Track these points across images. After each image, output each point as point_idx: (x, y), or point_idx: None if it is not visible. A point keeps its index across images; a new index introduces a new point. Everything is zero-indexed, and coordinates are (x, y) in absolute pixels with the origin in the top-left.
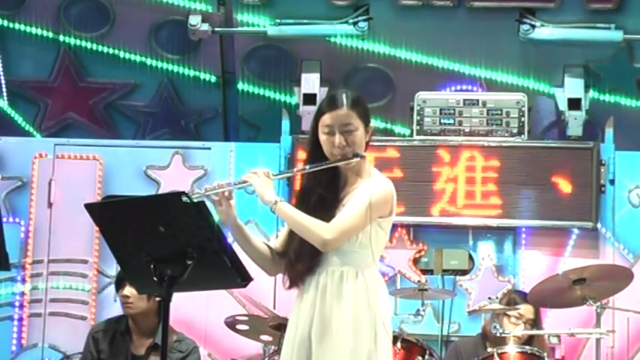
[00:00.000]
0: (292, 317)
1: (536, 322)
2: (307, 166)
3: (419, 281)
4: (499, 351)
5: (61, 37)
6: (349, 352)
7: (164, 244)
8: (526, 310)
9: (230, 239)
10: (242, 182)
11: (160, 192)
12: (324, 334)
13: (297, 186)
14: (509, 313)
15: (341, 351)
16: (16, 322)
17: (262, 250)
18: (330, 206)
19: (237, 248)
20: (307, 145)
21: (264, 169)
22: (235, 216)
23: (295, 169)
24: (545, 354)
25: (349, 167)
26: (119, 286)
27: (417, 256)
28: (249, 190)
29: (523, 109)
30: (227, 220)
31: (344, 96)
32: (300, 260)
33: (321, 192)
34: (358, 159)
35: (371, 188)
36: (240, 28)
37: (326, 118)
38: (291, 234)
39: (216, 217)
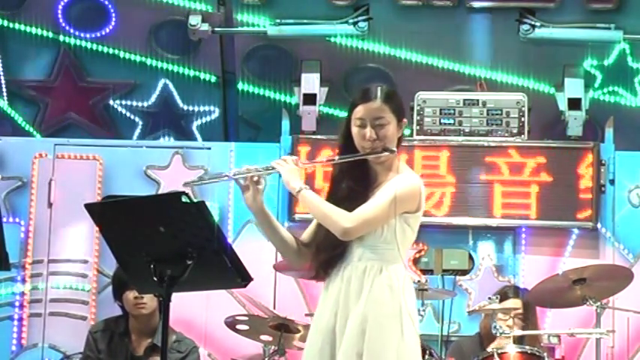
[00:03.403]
0: (318, 309)
1: (527, 316)
2: (337, 157)
3: (419, 281)
4: (499, 351)
5: (61, 37)
6: (374, 345)
7: (164, 244)
8: (513, 303)
9: (230, 239)
10: (270, 168)
11: (159, 192)
12: (347, 328)
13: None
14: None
15: (365, 345)
16: (16, 322)
17: (288, 240)
18: (359, 199)
19: (237, 248)
20: (340, 137)
21: (293, 156)
22: (262, 202)
23: (325, 159)
24: (545, 354)
25: (379, 162)
26: (124, 289)
27: (417, 256)
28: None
29: (523, 109)
30: (253, 206)
31: (378, 89)
32: (322, 251)
33: (351, 184)
34: (388, 153)
35: (397, 183)
36: (240, 28)
37: (358, 111)
38: (320, 225)
39: (215, 216)
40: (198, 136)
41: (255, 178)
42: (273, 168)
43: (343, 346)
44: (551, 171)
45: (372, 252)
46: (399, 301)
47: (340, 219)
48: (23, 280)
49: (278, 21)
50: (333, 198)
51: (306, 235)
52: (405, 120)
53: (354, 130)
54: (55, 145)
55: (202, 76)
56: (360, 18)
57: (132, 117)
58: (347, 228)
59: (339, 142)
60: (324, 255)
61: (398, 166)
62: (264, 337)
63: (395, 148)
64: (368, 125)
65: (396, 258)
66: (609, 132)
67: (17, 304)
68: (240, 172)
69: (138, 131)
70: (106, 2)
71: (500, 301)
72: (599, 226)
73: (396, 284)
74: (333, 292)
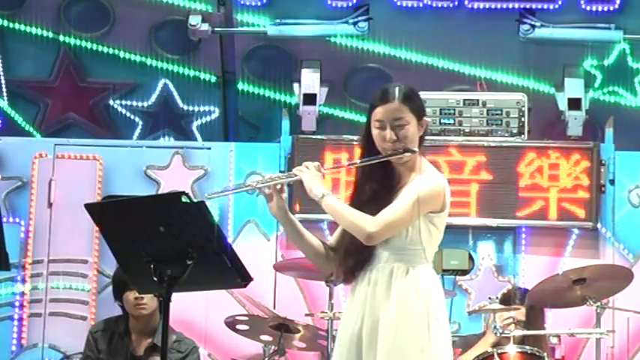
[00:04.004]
0: (345, 313)
1: (529, 324)
2: (358, 161)
3: None
4: (499, 351)
5: (61, 37)
6: (399, 348)
7: (164, 244)
8: (517, 311)
9: (230, 239)
10: (292, 175)
11: (159, 192)
12: (374, 331)
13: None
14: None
15: (391, 347)
16: (16, 322)
17: (315, 246)
18: (383, 201)
19: (237, 248)
20: (361, 139)
21: (315, 162)
22: (287, 210)
23: (347, 163)
24: (545, 354)
25: (401, 162)
26: (124, 289)
27: None
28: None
29: (523, 109)
30: (278, 214)
31: (396, 90)
32: (349, 255)
33: (375, 186)
34: (409, 154)
35: (420, 184)
36: (240, 28)
37: (377, 112)
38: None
39: (216, 217)
40: (198, 136)
41: (279, 187)
42: (296, 175)
43: (378, 351)
44: (550, 171)
45: (398, 254)
46: (426, 303)
47: (364, 224)
48: (23, 280)
49: (278, 21)
50: (358, 201)
51: (334, 239)
52: (425, 119)
53: (374, 132)
54: (55, 145)
55: (202, 76)
56: (360, 18)
57: (132, 117)
58: (371, 233)
59: (361, 145)
60: (352, 259)
61: (421, 166)
62: (264, 337)
63: (416, 149)
64: (387, 127)
65: (422, 259)
66: (609, 132)
67: (17, 304)
68: (263, 181)
69: (138, 131)
70: (106, 2)
71: (504, 304)
72: (599, 226)
73: (422, 286)
74: (359, 296)
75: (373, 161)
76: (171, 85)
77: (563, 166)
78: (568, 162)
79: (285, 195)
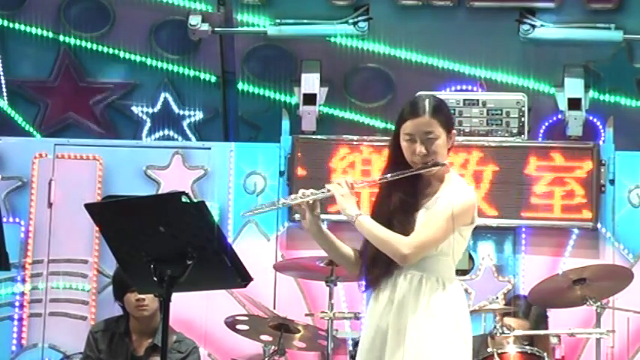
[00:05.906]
0: (367, 320)
1: (532, 338)
2: (389, 175)
3: None
4: (499, 351)
5: (61, 37)
6: (423, 355)
7: (164, 244)
8: (519, 325)
9: (230, 239)
10: (325, 191)
11: (159, 192)
12: (399, 341)
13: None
14: (505, 319)
15: (416, 355)
16: (16, 322)
17: (348, 255)
18: (410, 210)
19: (237, 248)
20: (389, 149)
21: (348, 178)
22: (320, 225)
23: (378, 178)
24: (545, 354)
25: (430, 174)
26: (125, 290)
27: None
28: (249, 189)
29: (523, 109)
30: (311, 229)
31: (426, 103)
32: (376, 265)
33: (402, 195)
34: (438, 167)
35: (452, 199)
36: (240, 28)
37: (407, 126)
38: None
39: (216, 217)
40: (198, 136)
41: (311, 202)
42: (329, 191)
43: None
44: (550, 171)
45: (427, 263)
46: (455, 320)
47: (399, 245)
48: (23, 280)
49: (278, 21)
50: (385, 210)
51: (363, 245)
52: (454, 131)
53: (404, 144)
54: (55, 145)
55: (202, 76)
56: (360, 18)
57: (132, 117)
58: (406, 255)
59: (389, 155)
60: (378, 270)
61: (449, 177)
62: (264, 337)
63: (445, 162)
64: (417, 140)
65: (451, 269)
66: (609, 132)
67: (17, 304)
68: (295, 197)
69: (138, 131)
70: (106, 2)
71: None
72: (599, 226)
73: (451, 296)
74: (383, 302)
75: (404, 175)
76: (171, 85)
77: (564, 166)
78: (568, 162)
79: (318, 211)
